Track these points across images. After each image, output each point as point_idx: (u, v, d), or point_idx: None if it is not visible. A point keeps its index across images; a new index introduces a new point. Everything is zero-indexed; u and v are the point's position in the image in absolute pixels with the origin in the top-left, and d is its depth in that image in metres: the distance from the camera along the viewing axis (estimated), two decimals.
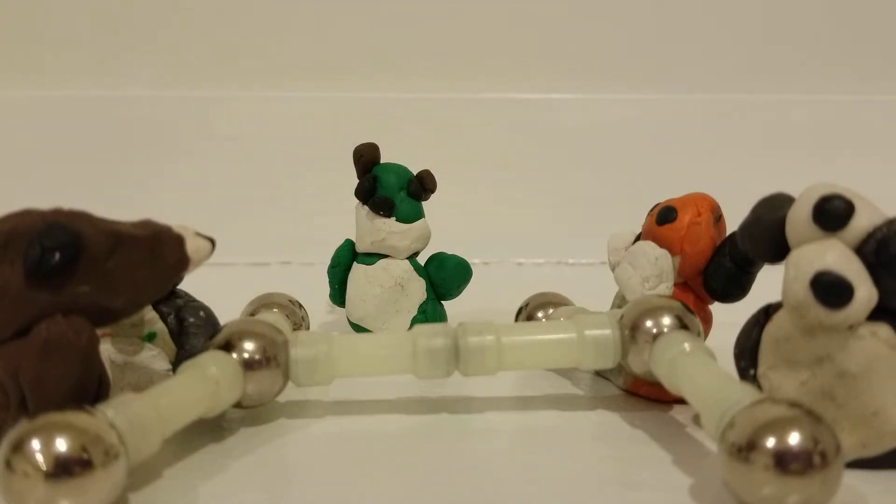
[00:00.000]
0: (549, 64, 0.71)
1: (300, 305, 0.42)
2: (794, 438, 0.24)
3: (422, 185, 0.44)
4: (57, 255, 0.27)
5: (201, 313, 0.34)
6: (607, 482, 0.29)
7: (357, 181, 0.44)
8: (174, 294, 0.34)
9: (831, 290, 0.27)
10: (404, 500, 0.28)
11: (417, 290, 0.44)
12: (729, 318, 0.35)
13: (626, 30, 0.71)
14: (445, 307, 0.45)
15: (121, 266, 0.28)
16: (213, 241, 0.32)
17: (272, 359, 0.33)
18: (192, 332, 0.33)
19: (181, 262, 0.31)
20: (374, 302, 0.43)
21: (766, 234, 0.30)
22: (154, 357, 0.33)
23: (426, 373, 0.34)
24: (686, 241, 0.36)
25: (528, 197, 0.69)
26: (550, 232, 0.68)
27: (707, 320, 0.37)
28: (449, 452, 0.32)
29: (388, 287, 0.43)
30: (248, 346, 0.33)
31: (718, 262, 0.36)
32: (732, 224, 0.34)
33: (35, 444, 0.24)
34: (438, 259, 0.45)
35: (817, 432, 0.24)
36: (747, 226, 0.32)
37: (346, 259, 0.45)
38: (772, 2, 0.71)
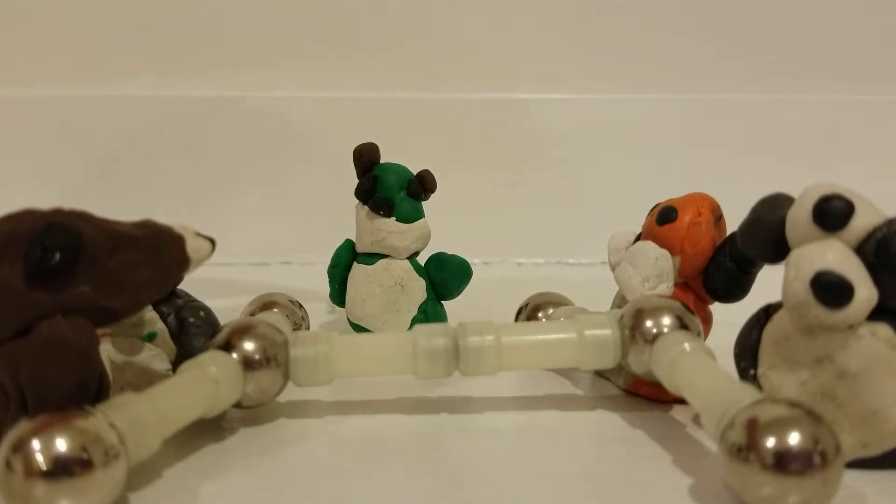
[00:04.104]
0: (548, 64, 0.71)
1: (300, 305, 0.42)
2: (794, 438, 0.24)
3: (422, 185, 0.44)
4: (57, 256, 0.27)
5: (201, 313, 0.34)
6: (607, 482, 0.29)
7: (357, 181, 0.44)
8: (174, 294, 0.34)
9: (831, 290, 0.27)
10: (404, 500, 0.28)
11: (417, 290, 0.44)
12: (729, 318, 0.35)
13: (626, 30, 0.71)
14: (445, 307, 0.45)
15: (121, 266, 0.28)
16: (213, 241, 0.32)
17: (272, 359, 0.33)
18: (192, 332, 0.33)
19: (181, 263, 0.31)
20: (374, 302, 0.43)
21: (766, 234, 0.30)
22: (154, 357, 0.33)
23: (426, 373, 0.34)
24: (686, 241, 0.36)
25: (528, 197, 0.69)
26: (550, 232, 0.68)
27: (707, 320, 0.37)
28: (449, 452, 0.32)
29: (388, 287, 0.43)
30: (248, 346, 0.33)
31: (718, 262, 0.36)
32: (732, 224, 0.34)
33: (35, 444, 0.24)
34: (438, 259, 0.45)
35: (817, 432, 0.24)
36: (747, 226, 0.32)
37: (346, 259, 0.45)
38: (772, 2, 0.71)
